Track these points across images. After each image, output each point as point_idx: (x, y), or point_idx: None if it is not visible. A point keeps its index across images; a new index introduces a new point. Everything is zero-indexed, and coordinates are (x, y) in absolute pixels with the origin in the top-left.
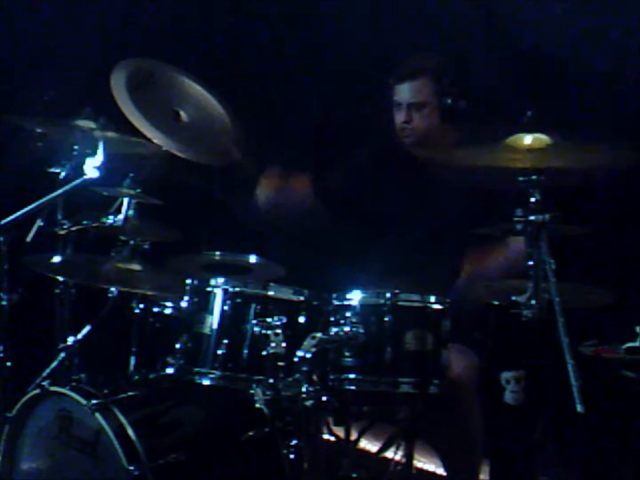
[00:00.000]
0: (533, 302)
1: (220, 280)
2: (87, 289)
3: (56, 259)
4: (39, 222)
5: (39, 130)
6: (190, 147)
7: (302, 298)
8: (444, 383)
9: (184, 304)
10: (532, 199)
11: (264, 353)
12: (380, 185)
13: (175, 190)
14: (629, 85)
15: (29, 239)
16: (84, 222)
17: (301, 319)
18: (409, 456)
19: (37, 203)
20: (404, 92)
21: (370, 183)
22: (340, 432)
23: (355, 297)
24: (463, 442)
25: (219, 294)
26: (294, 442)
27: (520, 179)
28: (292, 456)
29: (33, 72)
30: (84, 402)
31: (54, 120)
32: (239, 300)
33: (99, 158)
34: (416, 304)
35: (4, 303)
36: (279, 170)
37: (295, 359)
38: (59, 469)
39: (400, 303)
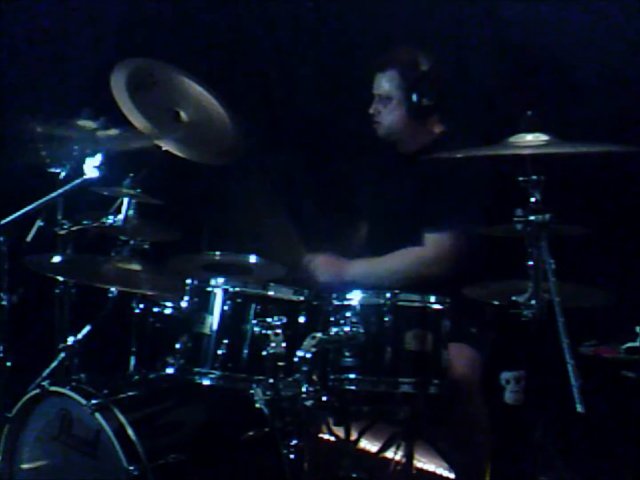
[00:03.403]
0: (533, 302)
1: (220, 280)
2: (87, 289)
3: (56, 259)
4: (39, 222)
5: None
6: (190, 147)
7: (302, 298)
8: (446, 383)
9: (184, 304)
10: (532, 199)
11: (264, 353)
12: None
13: (175, 190)
14: (630, 85)
15: (29, 239)
16: (84, 222)
17: (301, 319)
18: (409, 456)
19: (37, 203)
20: (375, 85)
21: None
22: (340, 432)
23: (355, 297)
24: (470, 443)
25: (219, 294)
26: (294, 442)
27: (520, 179)
28: (292, 456)
29: (33, 72)
30: (84, 402)
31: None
32: (239, 300)
33: (98, 158)
34: (416, 304)
35: (4, 303)
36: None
37: (295, 359)
38: (59, 469)
39: (400, 303)
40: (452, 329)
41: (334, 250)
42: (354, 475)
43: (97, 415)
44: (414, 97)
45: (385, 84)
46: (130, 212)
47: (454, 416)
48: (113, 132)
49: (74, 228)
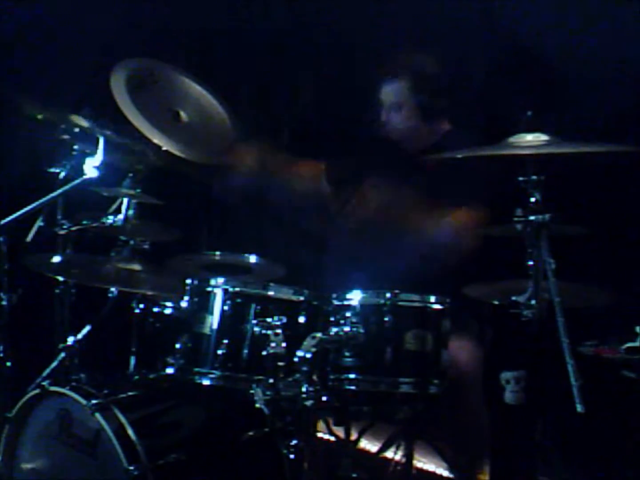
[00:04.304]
0: (533, 302)
1: (220, 280)
2: (87, 289)
3: (56, 259)
4: (39, 222)
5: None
6: (190, 147)
7: (302, 298)
8: (446, 379)
9: (184, 304)
10: (532, 199)
11: (264, 353)
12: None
13: (175, 190)
14: (630, 85)
15: (29, 239)
16: (84, 222)
17: (301, 319)
18: (409, 456)
19: (37, 203)
20: (384, 92)
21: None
22: (340, 432)
23: (355, 297)
24: (468, 441)
25: (219, 294)
26: (294, 442)
27: (520, 179)
28: (292, 456)
29: (33, 72)
30: (84, 402)
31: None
32: (239, 300)
33: (98, 158)
34: (416, 304)
35: (4, 303)
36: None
37: (295, 359)
38: (59, 469)
39: (400, 303)
40: (454, 324)
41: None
42: (354, 475)
43: (97, 415)
44: (428, 102)
45: (395, 92)
46: (130, 212)
47: (454, 414)
48: (112, 134)
49: (74, 228)
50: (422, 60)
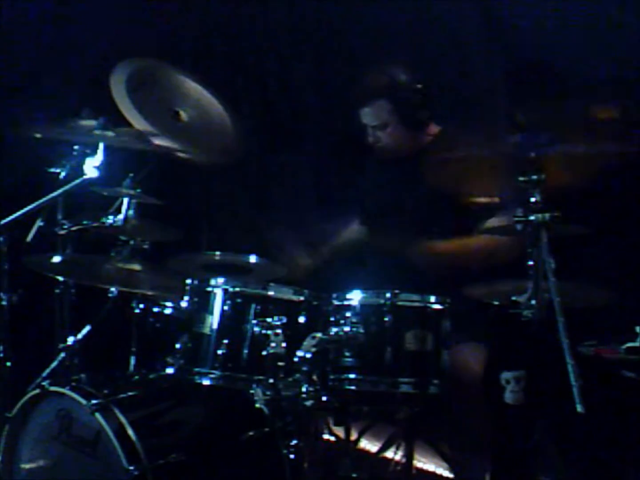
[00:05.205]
0: (533, 302)
1: (220, 280)
2: (87, 289)
3: (56, 259)
4: (39, 222)
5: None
6: (190, 147)
7: (302, 298)
8: (447, 379)
9: (184, 304)
10: (532, 199)
11: (264, 353)
12: (374, 183)
13: (175, 190)
14: (630, 85)
15: (29, 239)
16: (84, 222)
17: (301, 319)
18: (409, 456)
19: (37, 203)
20: (365, 116)
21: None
22: (340, 432)
23: (355, 297)
24: (474, 443)
25: (219, 294)
26: (294, 442)
27: (520, 179)
28: (292, 456)
29: (33, 72)
30: (84, 402)
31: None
32: (239, 300)
33: (99, 158)
34: (416, 304)
35: (4, 303)
36: None
37: (295, 359)
38: (59, 469)
39: (400, 303)
40: (464, 328)
41: None
42: (354, 475)
43: (97, 415)
44: (411, 115)
45: (377, 114)
46: (130, 212)
47: (460, 416)
48: (111, 133)
49: (74, 228)
50: (393, 76)
